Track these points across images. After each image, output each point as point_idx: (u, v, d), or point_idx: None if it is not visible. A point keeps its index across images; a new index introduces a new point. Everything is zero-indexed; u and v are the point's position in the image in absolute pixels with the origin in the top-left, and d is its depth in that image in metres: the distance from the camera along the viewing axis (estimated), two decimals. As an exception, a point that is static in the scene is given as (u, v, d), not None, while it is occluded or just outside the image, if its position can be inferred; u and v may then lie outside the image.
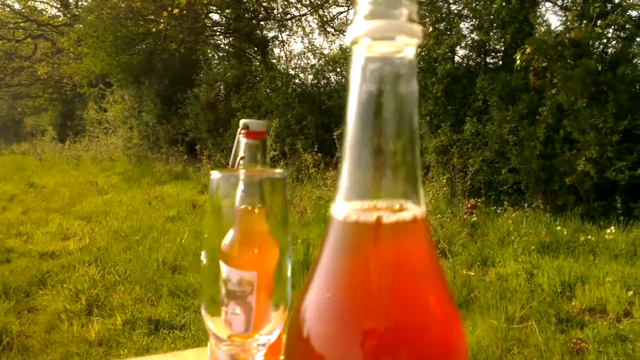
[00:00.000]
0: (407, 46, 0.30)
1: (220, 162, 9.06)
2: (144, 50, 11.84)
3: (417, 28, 0.30)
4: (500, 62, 7.10)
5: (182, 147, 10.71)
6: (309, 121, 8.43)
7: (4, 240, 4.94)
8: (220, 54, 12.35)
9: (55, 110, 23.37)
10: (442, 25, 6.87)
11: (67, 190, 8.47)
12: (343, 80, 8.93)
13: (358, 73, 0.31)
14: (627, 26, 5.51)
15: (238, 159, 0.60)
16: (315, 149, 6.52)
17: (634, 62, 5.61)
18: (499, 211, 5.26)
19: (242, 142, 0.61)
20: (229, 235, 0.46)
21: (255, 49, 11.00)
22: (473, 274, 3.69)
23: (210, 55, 12.35)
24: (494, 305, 2.87)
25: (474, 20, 6.94)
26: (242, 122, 0.61)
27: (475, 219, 4.90)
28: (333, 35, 12.10)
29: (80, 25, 13.18)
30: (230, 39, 11.78)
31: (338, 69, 8.97)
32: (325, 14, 11.83)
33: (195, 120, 10.52)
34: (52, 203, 7.32)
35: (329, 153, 6.48)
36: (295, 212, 5.66)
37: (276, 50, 11.25)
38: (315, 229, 5.15)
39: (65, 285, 3.50)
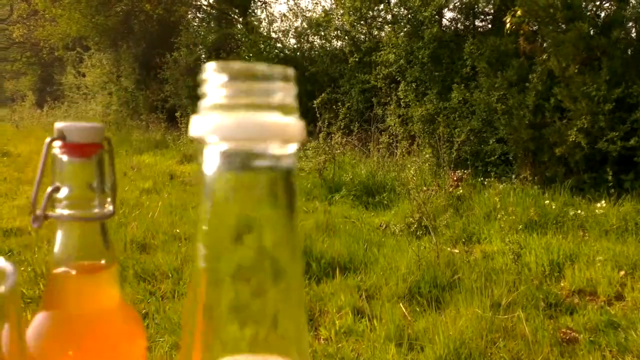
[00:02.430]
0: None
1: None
2: (120, 11, 11.31)
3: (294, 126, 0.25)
4: (490, 26, 6.85)
5: (162, 114, 10.34)
6: (291, 88, 8.10)
7: (-35, 215, 4.67)
8: (200, 16, 11.84)
9: (34, 75, 22.66)
10: (429, -14, 6.54)
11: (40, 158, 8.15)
12: (327, 45, 8.56)
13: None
14: (621, -13, 5.24)
15: (49, 191, 0.37)
16: (297, 118, 6.22)
17: (627, 26, 5.36)
18: (485, 183, 5.08)
19: (59, 160, 0.38)
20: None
21: (237, 10, 10.51)
22: (458, 251, 3.52)
23: (189, 17, 11.83)
24: (478, 289, 2.70)
25: (463, -20, 6.64)
26: (56, 126, 0.37)
27: (461, 191, 4.72)
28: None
29: (54, -15, 12.52)
30: (211, 0, 11.26)
31: (322, 32, 8.58)
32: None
33: (175, 86, 10.13)
34: (25, 173, 7.02)
35: (313, 122, 6.20)
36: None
37: (258, 12, 10.76)
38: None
39: (23, 269, 3.26)
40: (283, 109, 0.25)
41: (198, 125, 0.25)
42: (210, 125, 0.24)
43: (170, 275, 3.21)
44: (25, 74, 23.44)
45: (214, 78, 0.25)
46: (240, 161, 0.25)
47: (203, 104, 0.26)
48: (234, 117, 0.24)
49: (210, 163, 0.25)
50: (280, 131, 0.24)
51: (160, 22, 11.24)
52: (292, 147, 0.26)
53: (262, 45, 8.75)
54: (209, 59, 10.07)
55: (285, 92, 0.25)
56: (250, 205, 0.26)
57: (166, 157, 7.99)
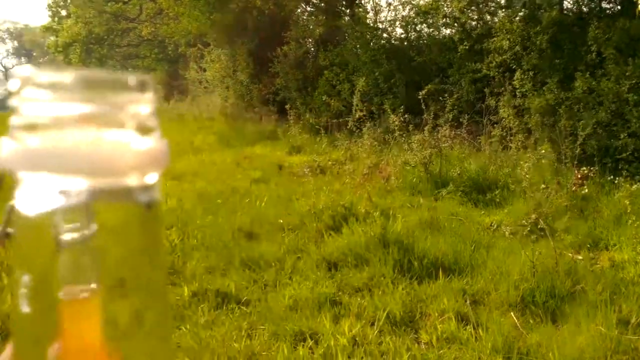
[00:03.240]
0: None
1: (309, 122, 8.89)
2: (235, 8, 11.84)
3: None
4: (619, 7, 6.14)
5: (273, 106, 10.70)
6: (397, 79, 7.93)
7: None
8: (309, 9, 12.01)
9: (162, 70, 24.65)
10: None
11: (165, 149, 8.82)
12: (435, 33, 8.24)
13: None
14: None
15: None
16: (402, 110, 6.06)
17: None
18: (615, 182, 4.56)
19: None
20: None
21: (344, 2, 10.50)
22: (581, 258, 3.19)
23: (299, 11, 12.06)
24: (603, 302, 2.41)
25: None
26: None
27: (586, 191, 4.27)
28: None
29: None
30: (320, -7, 11.37)
31: (430, 20, 8.26)
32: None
33: (285, 79, 10.41)
34: (149, 162, 7.64)
35: (419, 114, 6.00)
36: (381, 177, 5.35)
37: (364, 3, 10.68)
38: (400, 197, 4.82)
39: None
40: (139, 127, 0.18)
41: (6, 152, 0.19)
42: (22, 153, 0.18)
43: (273, 264, 3.28)
44: (154, 70, 25.58)
45: (31, 88, 0.18)
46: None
47: (13, 122, 0.19)
48: (56, 141, 0.18)
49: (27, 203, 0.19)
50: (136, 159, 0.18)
51: (271, 18, 11.59)
52: (152, 178, 0.19)
53: (369, 36, 8.65)
54: (317, 51, 10.20)
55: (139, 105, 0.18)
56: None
57: (276, 148, 8.24)
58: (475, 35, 7.08)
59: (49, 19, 24.76)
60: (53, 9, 24.33)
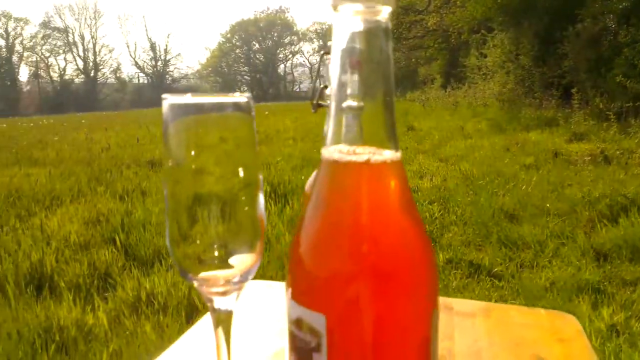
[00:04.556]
0: (384, 7, 0.33)
1: (598, 107, 7.91)
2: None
3: None
4: None
5: (557, 91, 9.86)
6: None
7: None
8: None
9: (443, 59, 25.16)
10: None
11: (438, 133, 9.13)
12: None
13: (339, 32, 0.33)
14: None
15: (320, 88, 0.53)
16: None
17: None
18: None
19: (327, 67, 0.53)
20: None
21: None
22: None
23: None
24: None
25: None
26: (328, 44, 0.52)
27: None
28: None
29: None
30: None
31: None
32: None
33: (575, 60, 9.45)
34: (422, 145, 8.05)
35: None
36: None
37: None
38: None
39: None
40: None
41: None
42: None
43: (532, 246, 3.18)
44: (436, 59, 26.24)
45: None
46: None
47: None
48: None
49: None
50: None
51: (564, -6, 10.61)
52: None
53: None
54: (617, 27, 8.91)
55: None
56: None
57: (554, 135, 7.63)
58: None
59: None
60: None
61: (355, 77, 0.33)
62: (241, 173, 0.40)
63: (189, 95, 0.38)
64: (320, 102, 0.54)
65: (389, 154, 0.34)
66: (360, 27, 0.33)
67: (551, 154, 6.16)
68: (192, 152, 0.39)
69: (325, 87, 0.54)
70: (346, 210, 0.33)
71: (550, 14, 10.97)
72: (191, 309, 2.42)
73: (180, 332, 1.41)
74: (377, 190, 0.34)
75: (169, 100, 0.39)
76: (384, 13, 0.33)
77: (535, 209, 3.85)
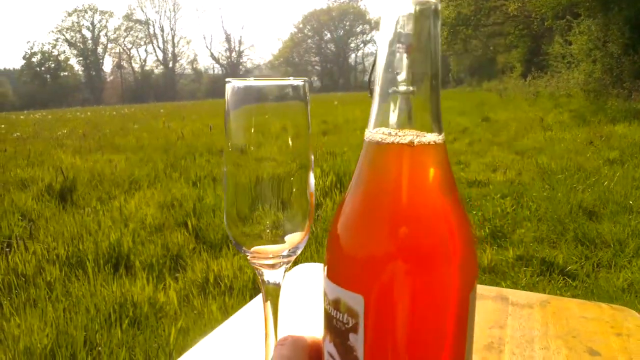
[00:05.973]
0: None
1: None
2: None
3: None
4: None
5: (650, 80, 9.12)
6: None
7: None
8: None
9: (524, 47, 23.99)
10: None
11: (515, 125, 8.74)
12: None
13: (388, 13, 0.34)
14: None
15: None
16: None
17: None
18: None
19: None
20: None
21: None
22: None
23: None
24: None
25: None
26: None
27: None
28: None
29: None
30: None
31: None
32: None
33: (671, 48, 8.69)
34: (497, 136, 7.75)
35: None
36: None
37: None
38: None
39: (474, 212, 3.74)
40: None
41: None
42: None
43: (611, 245, 2.98)
44: (516, 47, 25.03)
45: None
46: None
47: None
48: None
49: None
50: None
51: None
52: None
53: None
54: None
55: None
56: None
57: (645, 128, 7.09)
58: None
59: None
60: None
61: (403, 60, 0.33)
62: (295, 155, 0.43)
63: (251, 78, 0.42)
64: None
65: (432, 137, 0.34)
66: (410, 9, 0.33)
67: (638, 148, 5.74)
68: (251, 133, 0.42)
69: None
70: (387, 191, 0.34)
71: (644, -3, 10.16)
72: (256, 292, 2.50)
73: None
74: (418, 172, 0.34)
75: (232, 83, 0.42)
76: None
77: (616, 206, 3.60)
